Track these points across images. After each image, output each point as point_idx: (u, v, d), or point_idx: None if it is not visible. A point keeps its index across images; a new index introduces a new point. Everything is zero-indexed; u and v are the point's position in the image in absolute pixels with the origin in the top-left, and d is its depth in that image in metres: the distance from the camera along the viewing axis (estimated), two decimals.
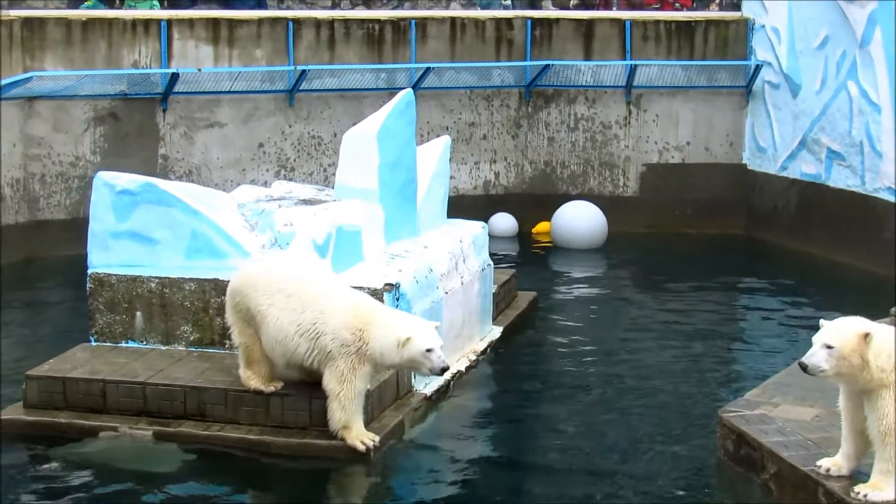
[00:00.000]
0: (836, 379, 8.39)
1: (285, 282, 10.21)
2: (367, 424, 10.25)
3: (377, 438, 10.09)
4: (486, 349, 13.08)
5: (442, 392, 11.72)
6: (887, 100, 16.86)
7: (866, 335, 8.16)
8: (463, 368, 12.35)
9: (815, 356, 8.25)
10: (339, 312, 9.98)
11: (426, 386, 11.53)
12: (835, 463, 8.63)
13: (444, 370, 9.87)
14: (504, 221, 19.42)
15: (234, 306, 10.43)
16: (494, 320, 13.79)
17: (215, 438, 10.28)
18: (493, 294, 13.72)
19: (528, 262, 17.71)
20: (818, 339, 8.29)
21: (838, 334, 8.23)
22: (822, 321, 8.44)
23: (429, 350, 9.70)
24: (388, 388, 10.89)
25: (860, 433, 8.40)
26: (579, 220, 19.02)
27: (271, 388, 10.39)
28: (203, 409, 10.49)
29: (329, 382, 9.95)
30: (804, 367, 8.30)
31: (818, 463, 8.72)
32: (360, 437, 10.01)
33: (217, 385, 10.55)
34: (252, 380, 10.40)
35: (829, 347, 8.21)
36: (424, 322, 10.07)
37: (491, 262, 13.66)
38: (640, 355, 13.56)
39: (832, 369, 8.23)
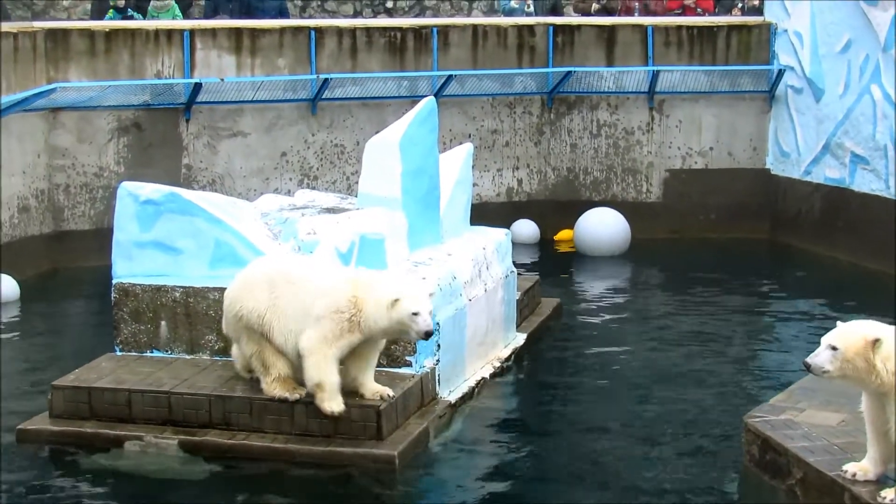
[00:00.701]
0: (843, 381, 8.37)
1: (283, 273, 10.38)
2: (392, 431, 10.28)
3: (342, 407, 10.18)
4: (510, 356, 13.07)
5: (466, 399, 11.72)
6: None
7: (875, 340, 8.13)
8: (487, 375, 12.34)
9: (820, 356, 8.24)
10: (336, 281, 10.19)
11: (450, 393, 11.53)
12: (861, 467, 8.59)
13: (428, 334, 9.94)
14: (526, 228, 19.41)
15: (235, 315, 10.46)
16: (518, 327, 13.79)
17: (240, 447, 10.29)
18: (517, 301, 13.72)
19: (551, 269, 17.68)
20: (825, 340, 8.28)
21: (844, 336, 8.22)
22: (838, 323, 8.42)
23: (415, 313, 9.83)
24: (413, 396, 10.89)
25: (884, 436, 8.36)
26: (602, 226, 18.97)
27: (296, 396, 10.38)
28: (228, 418, 10.51)
29: (309, 340, 10.05)
30: (808, 367, 8.29)
31: (844, 468, 8.68)
32: (332, 400, 10.11)
33: (242, 394, 10.57)
34: (275, 387, 10.40)
35: (834, 349, 8.20)
36: (417, 285, 10.28)
37: (514, 269, 13.65)
38: (665, 361, 13.54)
39: (836, 371, 8.21)
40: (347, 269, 10.70)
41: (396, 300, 9.84)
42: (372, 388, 10.40)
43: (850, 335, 8.20)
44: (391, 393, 10.40)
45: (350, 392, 10.31)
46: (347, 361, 10.26)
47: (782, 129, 19.77)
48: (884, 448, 8.42)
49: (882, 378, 8.12)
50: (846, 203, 18.33)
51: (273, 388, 10.41)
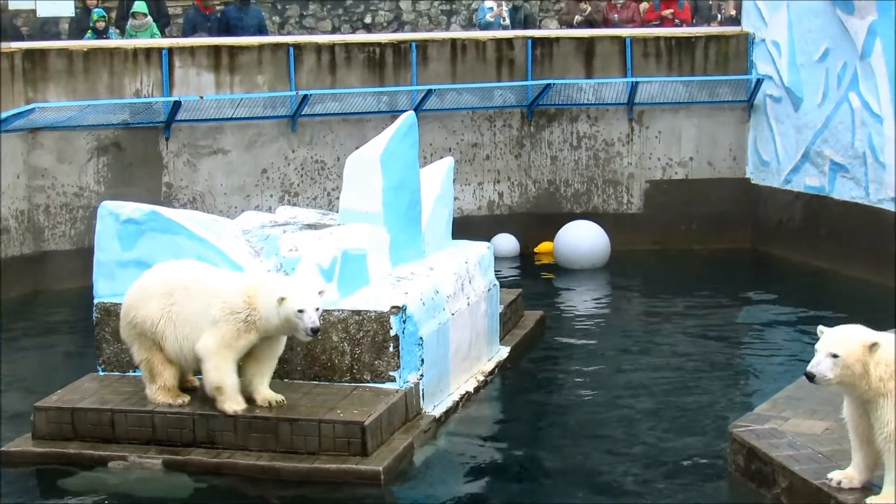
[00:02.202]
0: (837, 387, 8.37)
1: (179, 281, 10.61)
2: (377, 447, 10.26)
3: (244, 406, 10.43)
4: (494, 369, 13.06)
5: (451, 413, 11.71)
6: (889, 111, 16.85)
7: (872, 345, 8.15)
8: (471, 389, 12.33)
9: (821, 365, 8.22)
10: (230, 284, 10.44)
11: (435, 408, 11.51)
12: (846, 475, 8.60)
13: (314, 331, 10.11)
14: (506, 242, 19.36)
15: (130, 322, 10.71)
16: (502, 340, 13.78)
17: (225, 466, 10.26)
18: (500, 314, 13.72)
19: (532, 282, 17.69)
20: (822, 347, 8.26)
21: (844, 343, 8.21)
22: (820, 328, 8.42)
23: (300, 311, 10.03)
24: (397, 411, 10.87)
25: (868, 443, 8.38)
26: (581, 239, 18.97)
27: (179, 402, 10.66)
28: (212, 437, 10.48)
29: (207, 343, 10.31)
30: (811, 377, 8.27)
31: (829, 476, 8.69)
32: (231, 401, 10.38)
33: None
34: (159, 395, 10.70)
35: (835, 356, 8.19)
36: (306, 284, 10.43)
37: (497, 283, 13.65)
38: (649, 372, 13.54)
39: (836, 378, 8.22)
40: (241, 274, 10.97)
41: (283, 298, 10.08)
42: (265, 394, 10.60)
43: (849, 341, 8.20)
44: (281, 399, 10.56)
45: (246, 398, 10.55)
46: (245, 365, 10.51)
47: (762, 138, 19.82)
48: (868, 455, 8.43)
49: (870, 383, 8.14)
50: (827, 211, 18.37)
51: (157, 395, 10.70)
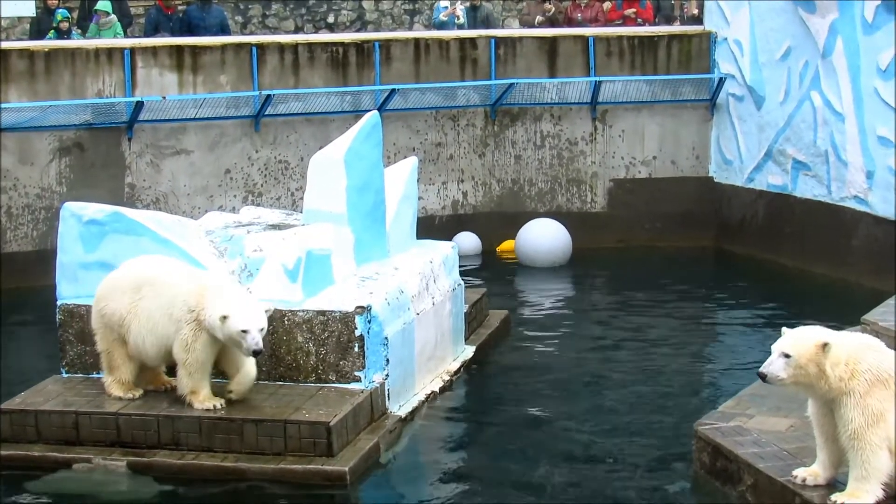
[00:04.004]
0: (794, 388, 8.41)
1: (148, 276, 10.67)
2: (343, 447, 10.24)
3: (223, 402, 10.49)
4: (459, 369, 13.06)
5: (416, 413, 11.70)
6: (851, 109, 16.95)
7: (824, 345, 8.19)
8: (437, 389, 12.33)
9: (773, 365, 8.28)
10: (188, 283, 10.46)
11: (400, 408, 11.50)
12: (811, 472, 8.64)
13: (256, 353, 10.11)
14: (467, 241, 19.30)
15: (99, 311, 10.82)
16: (467, 340, 13.78)
17: (190, 467, 10.22)
18: (465, 313, 13.72)
19: (496, 281, 17.68)
20: (776, 347, 8.32)
21: (795, 343, 8.26)
22: (784, 329, 8.47)
23: (244, 331, 10.02)
24: (363, 411, 10.85)
25: (833, 441, 8.42)
26: (543, 237, 18.98)
27: (130, 396, 10.78)
28: (177, 438, 10.44)
29: (176, 351, 10.42)
30: (763, 377, 8.33)
31: (794, 473, 8.72)
32: (207, 400, 10.45)
33: (191, 413, 10.49)
34: (113, 387, 10.83)
35: (787, 356, 8.24)
36: (251, 303, 10.35)
37: (462, 282, 13.65)
38: (613, 371, 13.57)
39: (790, 378, 8.26)
40: (203, 272, 10.95)
41: (225, 317, 10.07)
42: (239, 389, 10.62)
43: (801, 341, 8.25)
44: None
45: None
46: (220, 362, 10.63)
47: (724, 136, 19.89)
48: (833, 452, 8.47)
49: (830, 383, 8.18)
50: (790, 209, 18.46)
51: (112, 387, 10.85)
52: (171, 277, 10.59)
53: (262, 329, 10.10)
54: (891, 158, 16.25)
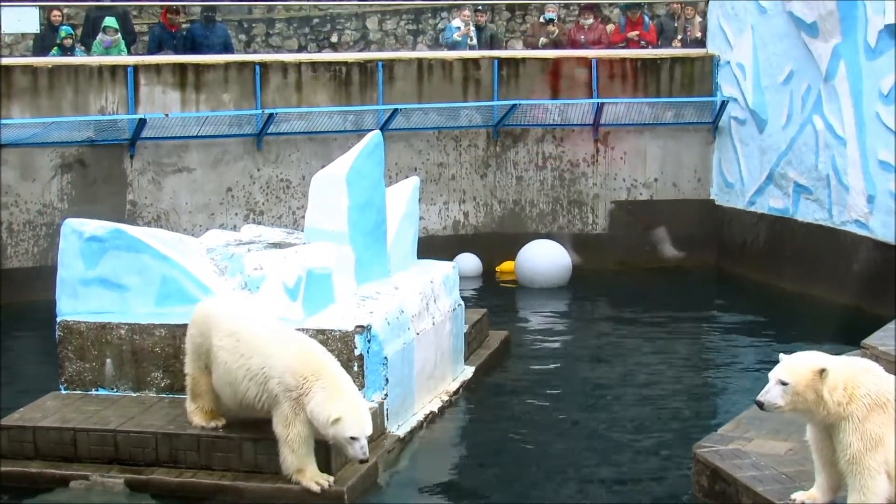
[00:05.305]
0: (793, 414, 8.42)
1: (235, 325, 10.24)
2: (341, 467, 10.22)
3: (332, 479, 9.98)
4: (458, 389, 13.05)
5: (415, 433, 11.68)
6: (852, 133, 16.96)
7: (821, 371, 8.19)
8: (436, 409, 12.31)
9: (770, 393, 8.30)
10: (285, 357, 9.92)
11: (399, 428, 11.48)
12: (809, 496, 8.63)
13: (363, 461, 9.68)
14: (468, 262, 19.30)
15: (191, 337, 10.54)
16: (467, 360, 13.76)
17: (188, 485, 10.20)
18: (465, 334, 13.71)
19: (496, 302, 17.68)
20: (773, 375, 8.33)
21: (792, 370, 8.27)
22: (781, 355, 8.47)
23: (353, 437, 9.56)
24: None
25: (831, 465, 8.41)
26: (542, 258, 18.99)
27: (213, 425, 10.44)
28: (175, 456, 10.42)
29: (277, 427, 9.91)
30: (761, 405, 8.35)
31: (793, 496, 8.71)
32: (315, 478, 9.93)
33: (189, 431, 10.48)
34: (195, 415, 10.50)
35: (784, 384, 8.25)
36: (362, 406, 9.82)
37: (462, 302, 13.64)
38: (613, 392, 13.56)
39: (788, 405, 8.27)
40: (295, 337, 10.24)
41: (337, 419, 9.55)
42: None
43: (798, 368, 8.26)
44: (330, 481, 9.99)
45: None
46: None
47: (726, 159, 19.91)
48: (831, 476, 8.47)
49: (829, 409, 8.17)
50: (791, 232, 18.46)
51: (195, 415, 10.52)
52: (257, 343, 10.09)
53: (369, 435, 9.73)
54: (892, 183, 16.25)
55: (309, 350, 10.04)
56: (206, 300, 10.89)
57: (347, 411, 9.57)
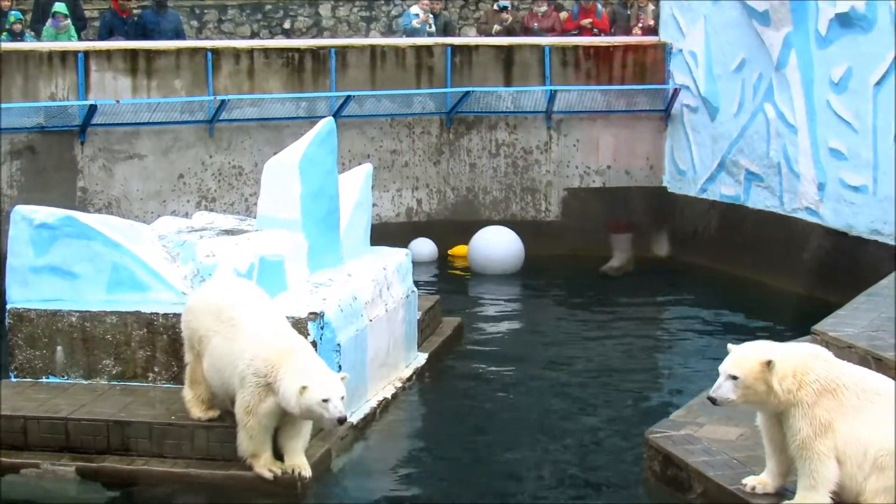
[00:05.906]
0: (746, 406, 8.49)
1: (233, 310, 10.19)
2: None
3: (286, 468, 9.95)
4: (411, 376, 13.05)
5: (368, 420, 11.68)
6: (803, 121, 17.07)
7: (768, 362, 8.24)
8: (389, 396, 12.31)
9: (722, 388, 8.36)
10: (257, 340, 9.91)
11: (352, 414, 11.46)
12: (760, 481, 8.69)
13: (341, 420, 9.58)
14: (423, 247, 19.29)
15: (187, 323, 10.50)
16: (420, 347, 13.76)
17: (140, 473, 10.17)
18: (418, 320, 13.71)
19: (449, 288, 17.69)
20: (723, 369, 8.38)
21: (740, 363, 8.32)
22: (729, 346, 8.52)
23: (325, 400, 9.46)
24: None
25: (782, 450, 8.47)
26: (495, 245, 19.01)
27: (209, 415, 10.36)
28: (127, 444, 10.38)
29: (238, 411, 9.88)
30: (713, 401, 8.42)
31: (744, 481, 8.77)
32: (268, 465, 9.92)
33: (141, 419, 10.45)
34: (193, 404, 10.39)
35: (734, 378, 8.30)
36: (329, 373, 9.80)
37: (415, 289, 13.64)
38: (565, 379, 13.59)
39: (740, 399, 8.34)
40: (285, 330, 10.21)
41: (304, 387, 9.48)
42: (294, 460, 10.02)
43: (746, 361, 8.31)
44: (307, 473, 9.98)
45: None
46: (280, 427, 10.01)
47: (678, 147, 19.98)
48: (782, 461, 8.53)
49: (779, 397, 8.23)
50: (742, 220, 18.56)
51: (191, 405, 10.42)
52: (246, 325, 10.07)
53: (342, 397, 9.60)
54: (842, 171, 16.37)
55: (279, 336, 9.99)
56: (204, 287, 10.83)
57: (314, 378, 9.54)
